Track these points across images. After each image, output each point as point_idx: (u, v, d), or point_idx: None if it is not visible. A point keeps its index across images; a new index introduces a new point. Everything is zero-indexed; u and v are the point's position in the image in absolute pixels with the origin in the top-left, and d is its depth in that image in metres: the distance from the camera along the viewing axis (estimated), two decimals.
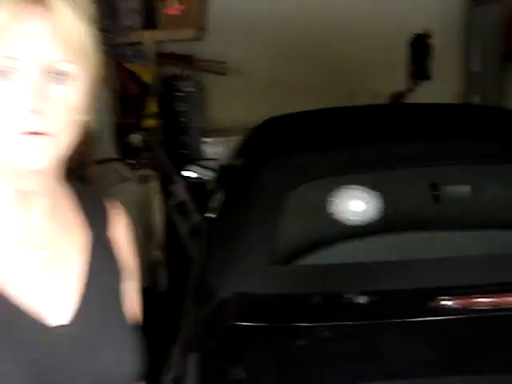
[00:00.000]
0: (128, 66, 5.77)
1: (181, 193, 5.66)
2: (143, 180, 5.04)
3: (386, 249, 2.28)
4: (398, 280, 2.03)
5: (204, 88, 7.82)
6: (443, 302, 1.92)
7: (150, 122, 5.68)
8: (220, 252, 2.41)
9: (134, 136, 5.11)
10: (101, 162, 4.89)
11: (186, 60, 7.32)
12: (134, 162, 5.04)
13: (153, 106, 5.72)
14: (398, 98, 8.25)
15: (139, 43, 6.84)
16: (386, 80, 8.14)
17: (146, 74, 5.86)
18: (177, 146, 7.02)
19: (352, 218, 2.34)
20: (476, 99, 8.06)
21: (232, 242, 2.38)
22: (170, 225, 5.45)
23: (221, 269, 2.28)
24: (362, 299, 1.95)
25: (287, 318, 1.98)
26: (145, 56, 6.72)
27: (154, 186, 5.12)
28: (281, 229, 2.26)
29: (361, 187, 2.42)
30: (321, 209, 2.37)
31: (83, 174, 4.74)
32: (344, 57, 8.04)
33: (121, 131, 5.33)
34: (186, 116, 7.06)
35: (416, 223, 2.42)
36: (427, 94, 8.33)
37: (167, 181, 6.07)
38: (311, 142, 2.73)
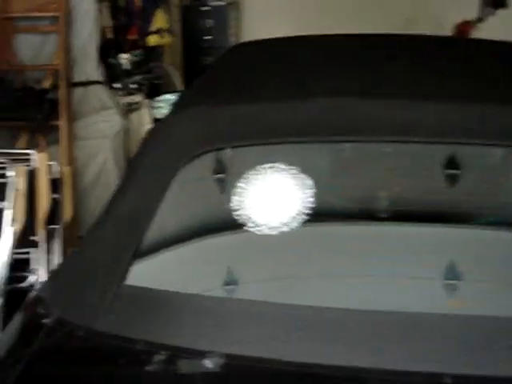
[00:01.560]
0: None
1: None
2: (129, 109, 4.32)
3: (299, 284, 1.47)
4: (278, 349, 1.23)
5: (238, 3, 6.93)
6: None
7: (155, 40, 4.89)
8: (82, 247, 1.70)
9: (122, 56, 4.35)
10: (79, 84, 4.19)
11: None
12: (120, 86, 4.31)
13: (160, 21, 4.92)
14: (465, 27, 7.13)
15: None
16: (452, 5, 6.99)
17: None
18: (197, 67, 6.25)
19: (269, 219, 1.57)
20: None
21: (90, 236, 1.67)
22: None
23: (59, 278, 1.58)
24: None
25: None
26: None
27: (144, 115, 4.40)
28: (152, 230, 1.51)
29: (290, 169, 1.64)
30: (219, 201, 1.60)
31: (55, 98, 4.07)
32: None
33: (117, 49, 4.59)
34: (211, 34, 6.24)
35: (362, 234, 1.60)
36: (502, 26, 7.14)
37: None
38: (250, 89, 1.92)
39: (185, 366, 1.26)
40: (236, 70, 2.20)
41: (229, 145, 1.66)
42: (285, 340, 1.25)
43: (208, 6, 6.31)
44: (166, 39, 5.08)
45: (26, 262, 3.48)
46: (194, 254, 1.58)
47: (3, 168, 3.33)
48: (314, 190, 1.65)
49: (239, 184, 1.62)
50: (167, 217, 1.58)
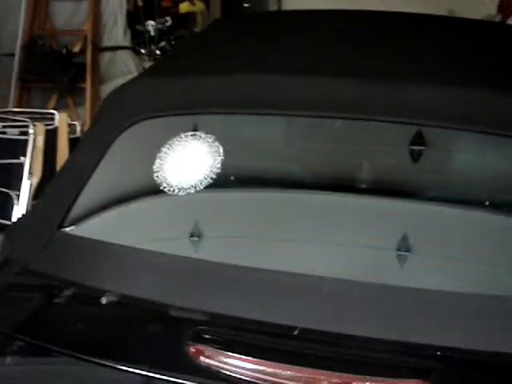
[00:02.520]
0: None
1: None
2: None
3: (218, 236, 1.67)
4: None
5: None
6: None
7: (186, 7, 5.09)
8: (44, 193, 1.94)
9: (149, 23, 4.58)
10: (108, 49, 4.46)
11: None
12: (145, 52, 4.55)
13: None
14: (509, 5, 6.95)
15: None
16: None
17: None
18: None
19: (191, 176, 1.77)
20: None
21: (44, 191, 1.92)
22: None
23: (15, 225, 1.85)
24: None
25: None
26: None
27: None
28: (90, 185, 1.73)
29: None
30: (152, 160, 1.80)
31: (82, 61, 4.35)
32: None
33: (146, 16, 4.82)
34: (250, 1, 6.38)
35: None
36: None
37: None
38: (202, 63, 2.09)
39: (88, 302, 1.51)
40: (202, 44, 2.38)
41: (169, 113, 1.86)
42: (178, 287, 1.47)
43: None
44: (198, 6, 5.28)
45: None
46: (125, 208, 1.80)
47: (26, 126, 3.64)
48: (261, 160, 1.84)
49: (171, 148, 1.82)
50: (106, 174, 1.81)
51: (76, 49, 4.36)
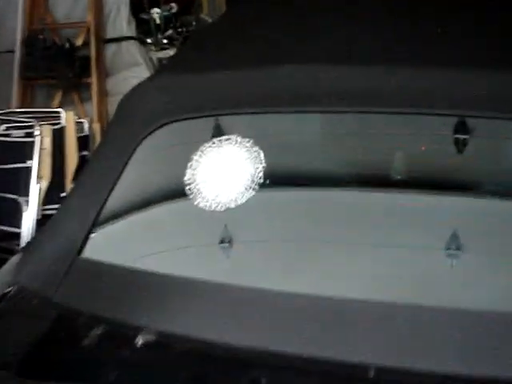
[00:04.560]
0: None
1: None
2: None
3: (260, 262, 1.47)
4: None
5: None
6: None
7: None
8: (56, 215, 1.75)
9: (154, 10, 4.35)
10: (112, 40, 4.24)
11: None
12: (152, 41, 4.33)
13: None
14: None
15: None
16: None
17: None
18: None
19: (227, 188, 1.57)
20: None
21: (59, 208, 1.73)
22: None
23: (28, 249, 1.66)
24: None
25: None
26: None
27: None
28: (112, 203, 1.54)
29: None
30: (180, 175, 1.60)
31: (86, 54, 4.13)
32: None
33: (150, 4, 4.59)
34: None
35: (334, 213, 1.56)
36: None
37: None
38: (224, 56, 1.88)
39: (118, 341, 1.31)
40: (223, 32, 2.17)
41: (194, 115, 1.66)
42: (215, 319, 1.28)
43: None
44: None
45: None
46: (151, 227, 1.60)
47: (31, 127, 3.44)
48: (295, 158, 1.65)
49: (201, 154, 1.62)
50: (128, 190, 1.60)
51: (79, 42, 4.15)
